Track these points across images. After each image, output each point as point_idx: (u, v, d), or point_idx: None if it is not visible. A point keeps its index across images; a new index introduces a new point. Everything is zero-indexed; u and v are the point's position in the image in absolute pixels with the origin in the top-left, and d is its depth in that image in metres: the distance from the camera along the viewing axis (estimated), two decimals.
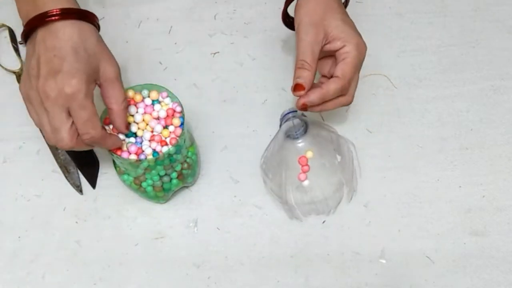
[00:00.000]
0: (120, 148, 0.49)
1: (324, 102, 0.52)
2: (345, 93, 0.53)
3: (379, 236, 0.57)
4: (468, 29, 0.70)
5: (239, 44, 0.68)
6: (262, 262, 0.56)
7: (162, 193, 0.54)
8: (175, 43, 0.68)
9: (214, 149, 0.62)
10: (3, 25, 0.67)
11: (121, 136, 0.49)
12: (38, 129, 0.61)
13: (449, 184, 0.60)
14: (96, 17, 0.48)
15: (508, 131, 0.64)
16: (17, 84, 0.63)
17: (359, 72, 0.53)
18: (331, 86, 0.51)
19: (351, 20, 0.53)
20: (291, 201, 0.56)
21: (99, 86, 0.47)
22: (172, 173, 0.52)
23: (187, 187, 0.59)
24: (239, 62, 0.67)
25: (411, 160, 0.61)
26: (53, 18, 0.44)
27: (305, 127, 0.55)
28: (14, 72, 0.64)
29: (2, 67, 0.65)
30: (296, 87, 0.51)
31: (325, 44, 0.52)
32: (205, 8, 0.71)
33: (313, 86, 0.52)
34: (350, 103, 0.54)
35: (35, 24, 0.45)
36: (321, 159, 0.56)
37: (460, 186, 0.60)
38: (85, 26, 0.46)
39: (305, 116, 0.57)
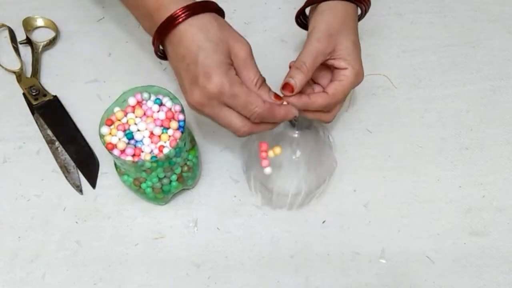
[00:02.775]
0: (123, 151, 0.48)
1: (305, 109, 0.51)
2: (328, 111, 0.52)
3: (379, 236, 0.57)
4: (468, 29, 0.70)
5: None
6: (262, 262, 0.56)
7: (161, 195, 0.54)
8: None
9: (214, 149, 0.62)
10: (3, 25, 0.67)
11: (123, 139, 0.49)
12: (38, 129, 0.61)
13: (449, 184, 0.60)
14: (213, 3, 0.46)
15: (508, 131, 0.64)
16: (17, 84, 0.63)
17: (346, 97, 0.52)
18: (318, 100, 0.50)
19: (359, 44, 0.52)
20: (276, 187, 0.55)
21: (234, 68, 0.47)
22: (172, 176, 0.52)
23: (187, 189, 0.59)
24: None
25: (411, 160, 0.61)
26: (169, 29, 0.45)
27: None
28: (14, 72, 0.64)
29: (2, 67, 0.65)
30: (285, 86, 0.48)
31: (329, 59, 0.50)
32: None
33: (303, 90, 0.50)
34: (329, 122, 0.53)
35: (162, 37, 0.46)
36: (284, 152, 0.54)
37: (460, 186, 0.60)
38: (204, 19, 0.45)
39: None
